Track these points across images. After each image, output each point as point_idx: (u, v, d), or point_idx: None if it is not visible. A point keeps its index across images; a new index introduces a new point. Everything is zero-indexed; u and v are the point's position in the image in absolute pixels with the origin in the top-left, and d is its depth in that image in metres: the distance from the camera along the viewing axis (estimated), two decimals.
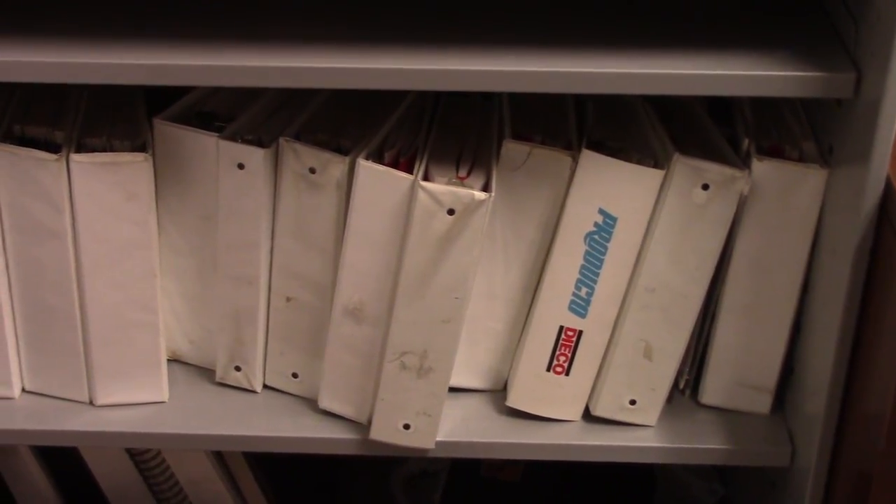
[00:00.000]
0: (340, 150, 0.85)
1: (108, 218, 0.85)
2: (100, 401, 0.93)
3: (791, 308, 0.88)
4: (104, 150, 0.85)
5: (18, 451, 1.02)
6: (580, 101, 0.92)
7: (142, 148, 0.85)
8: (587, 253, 0.85)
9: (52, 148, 0.84)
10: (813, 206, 0.84)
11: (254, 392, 0.95)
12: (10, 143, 0.84)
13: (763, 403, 0.92)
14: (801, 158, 0.85)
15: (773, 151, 0.85)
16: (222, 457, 1.05)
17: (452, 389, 0.90)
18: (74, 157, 0.83)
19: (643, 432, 0.92)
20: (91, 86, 0.91)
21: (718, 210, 0.83)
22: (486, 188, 0.82)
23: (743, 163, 0.84)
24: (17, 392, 0.93)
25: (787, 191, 0.84)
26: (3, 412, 0.92)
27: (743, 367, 0.91)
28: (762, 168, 0.84)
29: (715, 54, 0.78)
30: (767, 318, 0.89)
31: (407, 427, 0.89)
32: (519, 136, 0.85)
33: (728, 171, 0.82)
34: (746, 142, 0.86)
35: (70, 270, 0.87)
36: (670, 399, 0.92)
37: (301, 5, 0.84)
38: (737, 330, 0.89)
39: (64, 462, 1.04)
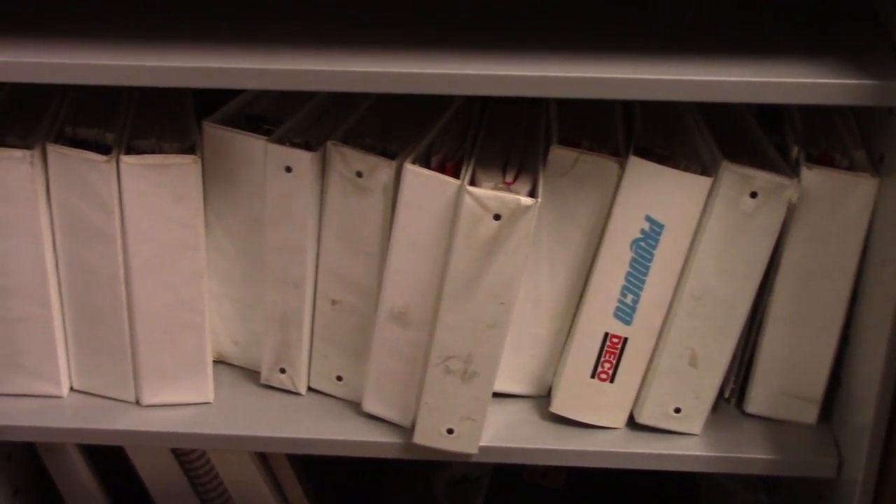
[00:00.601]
0: (387, 154, 0.85)
1: (156, 219, 0.86)
2: (146, 401, 0.93)
3: (839, 318, 0.87)
4: (153, 152, 0.85)
5: (66, 449, 1.03)
6: (628, 107, 0.91)
7: (190, 150, 0.86)
8: (633, 260, 0.85)
9: (103, 149, 0.85)
10: (863, 216, 0.83)
11: (298, 394, 0.95)
12: (62, 145, 0.85)
13: (810, 413, 0.91)
14: (852, 167, 0.84)
15: (823, 160, 0.85)
16: (266, 458, 1.05)
17: (496, 395, 0.90)
18: (124, 158, 0.84)
19: (687, 441, 0.91)
20: (141, 88, 0.92)
21: (766, 218, 0.82)
22: (532, 194, 0.82)
23: (792, 171, 0.83)
24: (65, 391, 0.94)
25: (836, 200, 0.83)
26: (52, 411, 0.93)
27: (789, 377, 0.90)
28: (811, 176, 0.83)
29: (765, 61, 0.78)
30: (815, 328, 0.88)
31: (450, 432, 0.89)
32: (566, 142, 0.85)
33: (777, 179, 0.81)
34: (796, 150, 0.85)
35: (118, 271, 0.88)
36: (715, 408, 0.92)
37: (350, 10, 0.84)
38: (784, 339, 0.89)
39: (110, 461, 1.05)
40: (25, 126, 0.87)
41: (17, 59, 0.77)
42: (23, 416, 0.92)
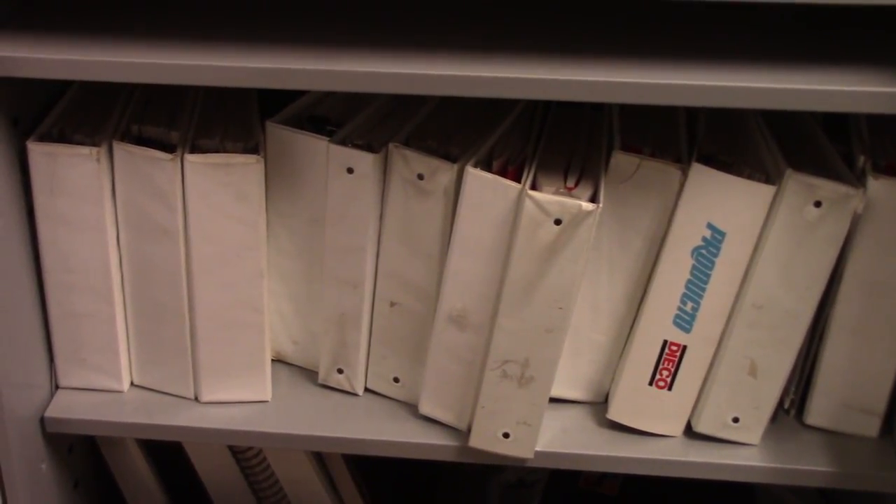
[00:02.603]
0: (449, 157, 0.85)
1: (218, 218, 0.86)
2: (205, 397, 0.94)
3: None
4: (217, 152, 0.86)
5: (125, 443, 1.04)
6: (692, 113, 0.91)
7: (254, 150, 0.86)
8: (694, 267, 0.84)
9: (168, 148, 0.86)
10: None
11: (355, 395, 0.96)
12: (128, 143, 0.86)
13: (871, 426, 0.90)
14: None
15: (890, 169, 0.84)
16: (322, 457, 1.06)
17: (553, 400, 0.90)
18: (188, 157, 0.84)
19: (746, 451, 0.90)
20: (206, 88, 0.93)
21: (831, 228, 0.82)
22: (593, 199, 0.82)
23: (858, 180, 0.82)
24: (126, 386, 0.95)
25: None
26: (113, 405, 0.94)
27: (851, 389, 0.89)
28: (878, 186, 0.82)
29: (831, 69, 0.77)
30: (878, 340, 0.87)
31: (506, 436, 0.89)
32: (628, 148, 0.84)
33: (842, 188, 0.80)
34: (862, 159, 0.84)
35: (180, 269, 0.89)
36: (774, 418, 0.91)
37: (414, 13, 0.85)
38: (846, 350, 0.88)
39: (169, 456, 1.06)
40: (92, 124, 0.89)
41: (85, 58, 0.78)
42: (84, 410, 0.94)
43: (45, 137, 0.87)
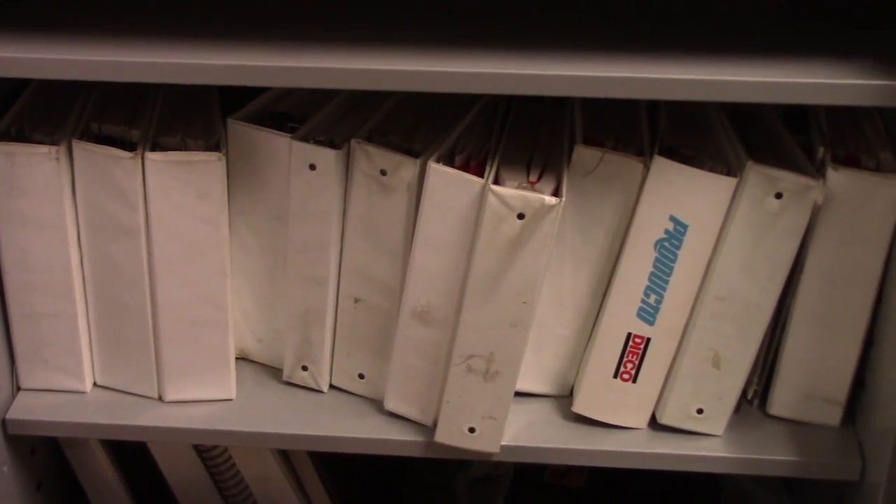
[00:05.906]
0: (412, 153, 0.85)
1: (180, 216, 0.86)
2: (169, 397, 0.94)
3: (863, 320, 0.87)
4: (178, 149, 0.86)
5: (89, 444, 1.03)
6: (653, 107, 0.91)
7: (215, 147, 0.86)
8: (657, 260, 0.85)
9: (128, 146, 0.85)
10: (889, 217, 0.83)
11: (320, 392, 0.95)
12: (88, 141, 0.85)
13: (833, 416, 0.91)
14: (878, 168, 0.84)
15: (849, 161, 0.84)
16: (288, 455, 1.06)
17: (518, 394, 0.90)
18: (149, 155, 0.84)
19: (710, 442, 0.91)
20: (167, 85, 0.92)
21: (791, 219, 0.82)
22: (556, 193, 0.82)
23: (817, 172, 0.83)
24: (88, 386, 0.95)
25: (862, 201, 0.83)
26: (75, 406, 0.93)
27: (813, 379, 0.90)
28: (837, 177, 0.82)
29: (791, 62, 0.77)
30: (839, 330, 0.88)
31: (472, 430, 0.89)
32: (590, 142, 0.85)
33: (802, 180, 0.81)
34: (822, 150, 0.85)
35: (143, 267, 0.88)
36: (738, 409, 0.91)
37: (374, 9, 0.85)
38: (808, 341, 0.88)
39: (133, 456, 1.05)
40: (51, 122, 0.88)
41: (44, 56, 0.77)
42: (46, 411, 0.93)
43: (3, 136, 0.86)
